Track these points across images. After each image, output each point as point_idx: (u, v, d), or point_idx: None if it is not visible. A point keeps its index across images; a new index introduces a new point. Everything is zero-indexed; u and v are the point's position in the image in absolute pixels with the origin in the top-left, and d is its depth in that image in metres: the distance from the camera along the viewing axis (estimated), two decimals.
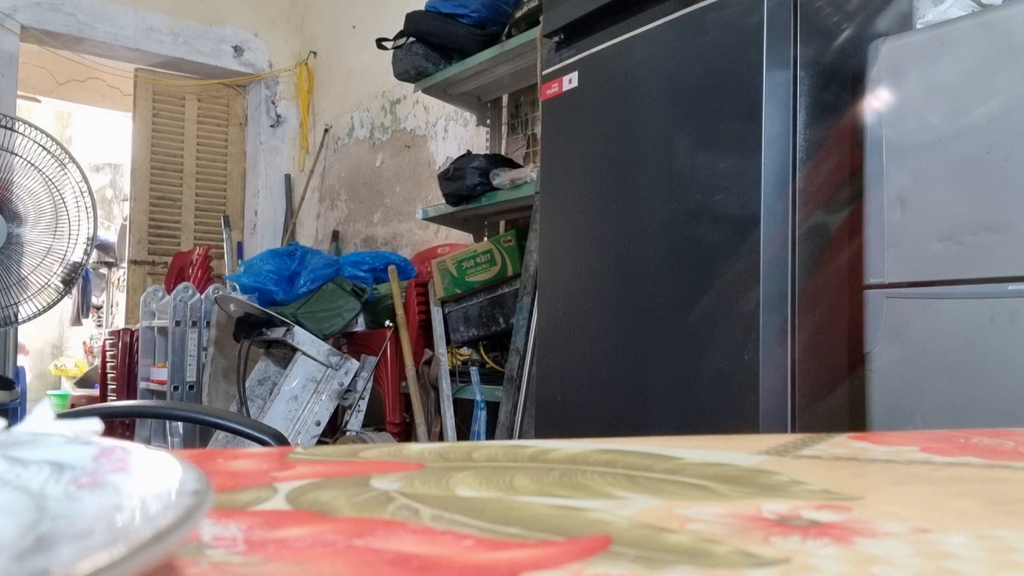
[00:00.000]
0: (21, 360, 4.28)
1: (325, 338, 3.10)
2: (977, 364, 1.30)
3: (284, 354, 3.21)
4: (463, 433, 2.77)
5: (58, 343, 7.57)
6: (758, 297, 1.48)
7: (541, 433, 2.08)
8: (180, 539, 0.19)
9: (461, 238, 3.47)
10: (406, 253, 3.81)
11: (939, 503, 0.33)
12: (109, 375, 4.32)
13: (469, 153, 3.08)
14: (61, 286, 3.32)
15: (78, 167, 3.30)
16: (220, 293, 3.55)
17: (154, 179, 4.87)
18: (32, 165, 3.21)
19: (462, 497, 0.33)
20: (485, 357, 2.80)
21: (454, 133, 3.77)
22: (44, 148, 3.21)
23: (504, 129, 3.48)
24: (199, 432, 3.46)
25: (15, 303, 3.23)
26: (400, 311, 3.02)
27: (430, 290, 2.95)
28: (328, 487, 0.34)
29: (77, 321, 6.57)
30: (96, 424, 0.34)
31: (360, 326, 3.30)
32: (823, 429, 1.47)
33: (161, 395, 3.69)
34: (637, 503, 0.32)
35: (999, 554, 0.25)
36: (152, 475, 0.24)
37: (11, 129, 3.16)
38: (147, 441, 3.65)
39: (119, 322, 5.94)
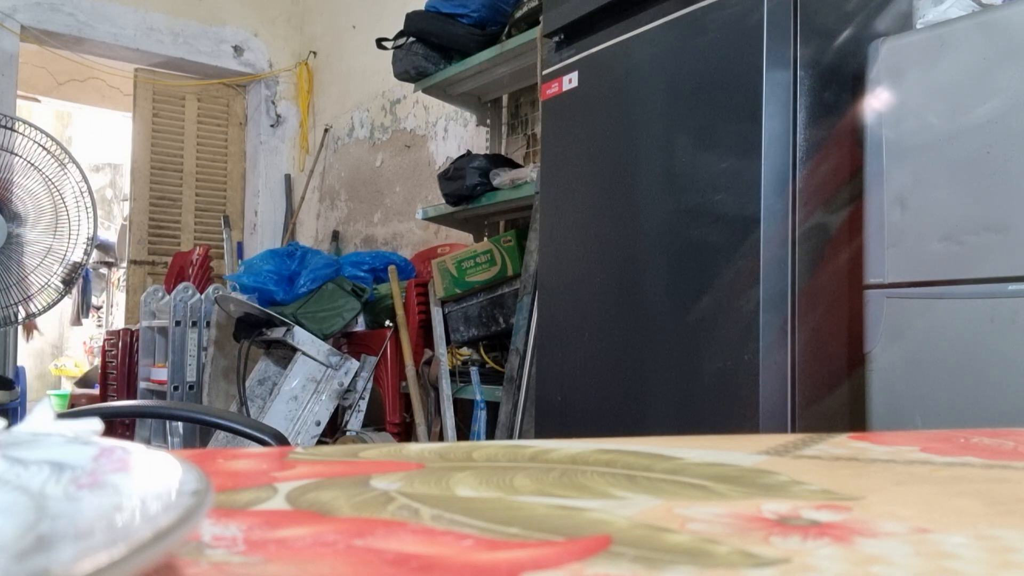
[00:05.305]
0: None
1: (325, 338, 3.10)
2: (977, 364, 1.30)
3: (284, 354, 3.21)
4: (463, 433, 2.77)
5: (58, 343, 7.57)
6: (758, 297, 1.48)
7: (541, 433, 2.07)
8: (180, 539, 0.19)
9: (461, 238, 3.47)
10: (406, 253, 3.81)
11: (939, 503, 0.33)
12: (109, 375, 4.32)
13: (469, 153, 3.08)
14: (61, 286, 3.32)
15: (78, 167, 3.30)
16: (220, 293, 3.55)
17: (154, 179, 4.87)
18: (32, 165, 3.21)
19: (462, 497, 0.33)
20: (485, 357, 2.80)
21: (454, 133, 3.77)
22: (44, 148, 3.21)
23: (504, 129, 3.48)
24: (199, 432, 3.46)
25: (15, 303, 3.23)
26: (400, 311, 3.02)
27: (430, 290, 2.95)
28: (328, 487, 0.34)
29: (77, 321, 6.57)
30: (96, 424, 0.34)
31: (360, 326, 3.30)
32: (823, 429, 1.47)
33: (161, 395, 3.69)
34: (637, 503, 0.32)
35: (999, 554, 0.25)
36: (152, 475, 0.24)
37: (11, 129, 3.16)
38: (147, 441, 3.65)
39: (119, 322, 5.94)
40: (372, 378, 3.16)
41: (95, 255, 5.23)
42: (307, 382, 3.06)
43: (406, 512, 0.30)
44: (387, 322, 3.21)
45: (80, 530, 0.21)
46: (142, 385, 3.86)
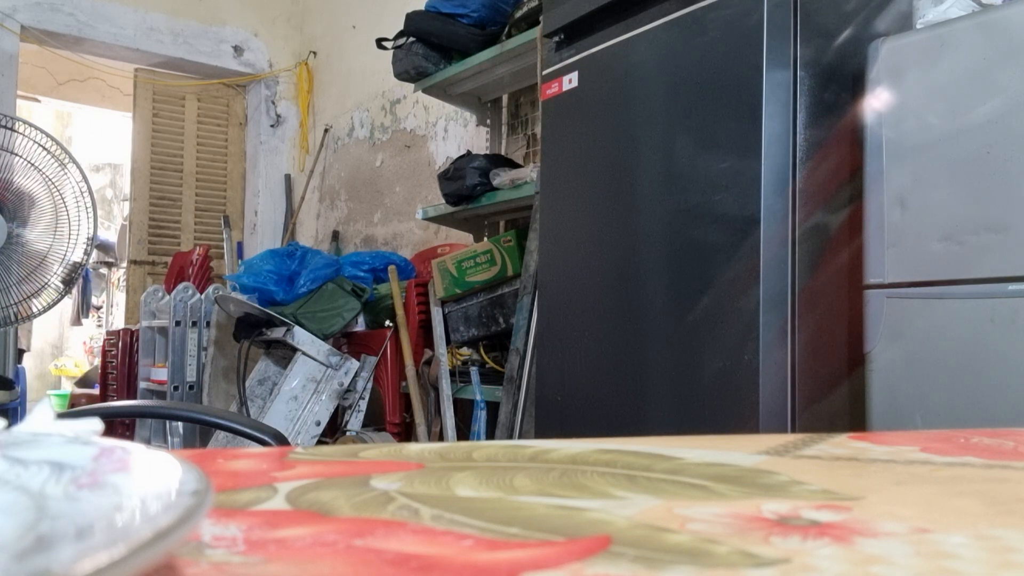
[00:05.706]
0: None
1: (325, 338, 3.10)
2: (977, 364, 1.29)
3: (284, 354, 3.21)
4: (463, 433, 2.77)
5: (58, 343, 7.57)
6: (758, 297, 1.48)
7: (541, 433, 2.07)
8: (180, 539, 0.19)
9: (461, 238, 3.47)
10: (406, 253, 3.81)
11: (939, 503, 0.33)
12: (109, 375, 4.32)
13: (469, 153, 3.08)
14: (61, 286, 3.32)
15: (78, 167, 3.30)
16: (220, 293, 3.55)
17: (154, 179, 4.87)
18: (32, 165, 3.21)
19: (462, 497, 0.33)
20: (485, 357, 2.80)
21: (454, 133, 3.77)
22: (44, 148, 3.21)
23: (504, 129, 3.48)
24: (199, 432, 3.46)
25: (15, 303, 3.23)
26: (400, 311, 3.02)
27: (430, 290, 2.95)
28: (328, 487, 0.34)
29: (77, 321, 6.58)
30: (96, 424, 0.34)
31: (360, 326, 3.30)
32: (823, 429, 1.47)
33: (161, 395, 3.69)
34: (637, 503, 0.32)
35: (999, 554, 0.25)
36: (152, 475, 0.24)
37: (11, 129, 3.16)
38: (147, 441, 3.65)
39: (119, 322, 5.94)
40: (372, 378, 3.16)
41: (95, 255, 5.23)
42: (307, 382, 3.06)
43: (406, 512, 0.30)
44: (387, 322, 3.21)
45: (80, 530, 0.21)
46: (142, 385, 3.87)
